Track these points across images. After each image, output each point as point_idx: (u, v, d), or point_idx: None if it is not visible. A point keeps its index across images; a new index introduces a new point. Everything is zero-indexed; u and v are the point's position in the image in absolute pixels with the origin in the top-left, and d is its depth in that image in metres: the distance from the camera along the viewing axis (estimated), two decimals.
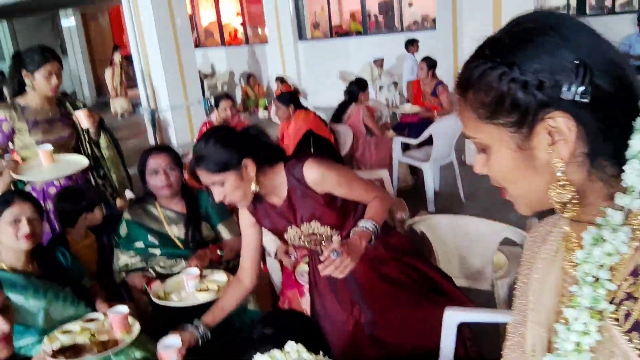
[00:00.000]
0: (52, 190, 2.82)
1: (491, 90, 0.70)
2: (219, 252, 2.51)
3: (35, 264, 2.17)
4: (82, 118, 2.82)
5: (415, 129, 5.19)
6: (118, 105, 11.35)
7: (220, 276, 2.41)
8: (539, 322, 0.81)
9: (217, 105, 4.62)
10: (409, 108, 5.75)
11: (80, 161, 2.78)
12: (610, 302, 0.67)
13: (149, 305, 2.45)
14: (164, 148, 2.66)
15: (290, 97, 4.69)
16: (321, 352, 1.11)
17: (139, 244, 2.56)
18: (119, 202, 3.00)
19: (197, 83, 8.41)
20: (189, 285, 2.31)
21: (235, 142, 1.78)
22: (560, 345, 0.71)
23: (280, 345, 1.11)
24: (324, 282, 2.08)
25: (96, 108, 12.11)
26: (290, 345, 1.11)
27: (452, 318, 1.89)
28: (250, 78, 10.79)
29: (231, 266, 2.58)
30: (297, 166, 1.85)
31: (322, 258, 1.59)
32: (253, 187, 1.80)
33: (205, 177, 1.77)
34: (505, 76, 0.68)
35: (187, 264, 2.41)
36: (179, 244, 2.56)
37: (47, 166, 2.69)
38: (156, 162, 2.51)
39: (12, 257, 2.08)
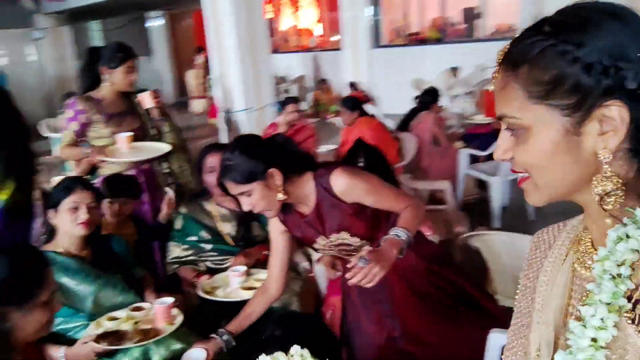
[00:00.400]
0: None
1: (551, 69, 0.67)
2: (265, 253, 2.52)
3: (90, 250, 2.26)
4: (146, 98, 2.95)
5: (484, 141, 4.99)
6: (197, 105, 11.79)
7: (264, 275, 2.42)
8: (546, 322, 0.79)
9: (283, 108, 4.67)
10: (480, 119, 5.56)
11: (162, 147, 2.91)
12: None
13: (196, 298, 2.50)
14: (223, 147, 2.69)
15: (354, 102, 4.66)
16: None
17: (192, 238, 2.62)
18: (169, 194, 2.99)
19: (270, 86, 8.57)
20: (234, 282, 2.34)
21: (261, 151, 1.77)
22: (574, 342, 0.69)
23: (287, 348, 1.08)
24: (355, 293, 2.03)
25: (176, 107, 12.67)
26: (295, 349, 1.08)
27: (498, 340, 1.78)
28: (323, 83, 10.87)
29: None
30: (325, 176, 1.82)
31: (349, 266, 1.54)
32: (280, 196, 1.77)
33: (233, 188, 1.76)
34: (569, 55, 0.65)
35: (233, 262, 2.43)
36: (230, 241, 2.60)
37: (128, 151, 2.83)
38: (214, 160, 2.55)
39: (68, 242, 2.18)
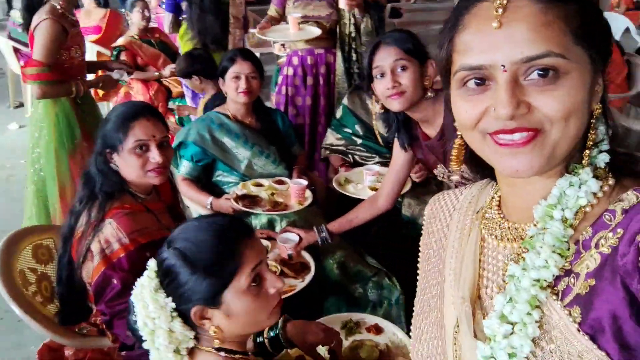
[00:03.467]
0: (295, 60, 3.12)
1: (598, 12, 0.66)
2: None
3: (255, 119, 2.51)
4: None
5: None
6: None
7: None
8: (463, 297, 0.76)
9: None
10: None
11: (313, 32, 2.98)
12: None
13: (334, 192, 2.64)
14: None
15: None
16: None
17: (347, 130, 2.72)
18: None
19: None
20: (366, 180, 2.41)
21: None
22: (514, 285, 0.69)
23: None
24: None
25: None
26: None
27: None
28: None
29: None
30: None
31: None
32: (428, 93, 1.72)
33: (392, 53, 1.71)
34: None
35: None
36: (380, 140, 2.63)
37: (292, 32, 2.97)
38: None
39: (235, 108, 2.45)
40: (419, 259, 0.93)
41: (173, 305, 1.05)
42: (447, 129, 1.66)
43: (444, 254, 0.87)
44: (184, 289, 1.05)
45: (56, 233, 1.81)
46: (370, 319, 1.68)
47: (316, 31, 2.98)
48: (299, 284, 1.83)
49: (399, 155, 1.95)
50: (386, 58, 1.69)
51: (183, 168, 2.43)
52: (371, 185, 2.38)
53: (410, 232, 2.40)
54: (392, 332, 1.62)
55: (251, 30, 3.74)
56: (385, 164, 2.60)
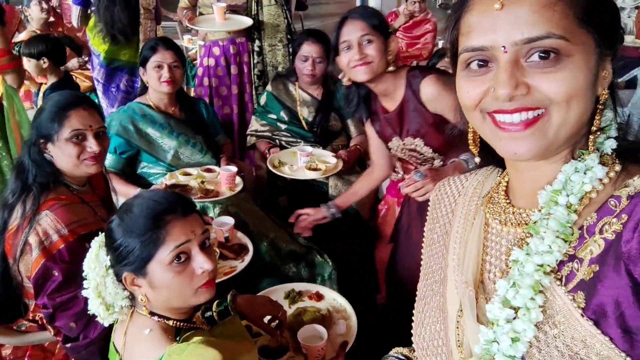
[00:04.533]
0: (216, 50, 3.14)
1: None
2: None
3: (178, 109, 2.51)
4: None
5: (623, 67, 4.41)
6: None
7: (331, 159, 2.55)
8: (466, 281, 0.77)
9: None
10: (630, 40, 4.86)
11: (245, 21, 3.03)
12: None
13: (266, 173, 2.71)
14: (320, 38, 2.68)
15: None
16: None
17: (272, 116, 2.79)
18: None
19: None
20: (301, 161, 2.50)
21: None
22: (518, 270, 0.69)
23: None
24: (415, 204, 2.08)
25: None
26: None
27: None
28: None
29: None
30: (417, 78, 1.81)
31: (407, 176, 1.60)
32: (389, 66, 1.79)
33: (359, 28, 1.76)
34: None
35: (338, 154, 2.57)
36: (304, 125, 2.73)
37: (219, 22, 3.00)
38: (310, 50, 2.61)
39: (157, 98, 2.44)
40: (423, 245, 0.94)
41: (108, 263, 1.16)
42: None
43: (447, 239, 0.87)
44: (118, 250, 1.14)
45: None
46: (311, 288, 1.79)
47: (248, 21, 3.03)
48: (239, 264, 1.88)
49: (371, 131, 2.07)
50: (353, 32, 1.76)
51: (107, 161, 2.37)
52: (307, 165, 2.47)
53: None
54: (332, 298, 1.73)
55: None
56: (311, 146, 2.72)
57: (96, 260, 1.17)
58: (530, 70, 0.63)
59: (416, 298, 0.91)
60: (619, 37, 0.68)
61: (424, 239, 0.94)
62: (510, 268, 0.71)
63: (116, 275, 1.17)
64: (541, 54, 0.62)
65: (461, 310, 0.77)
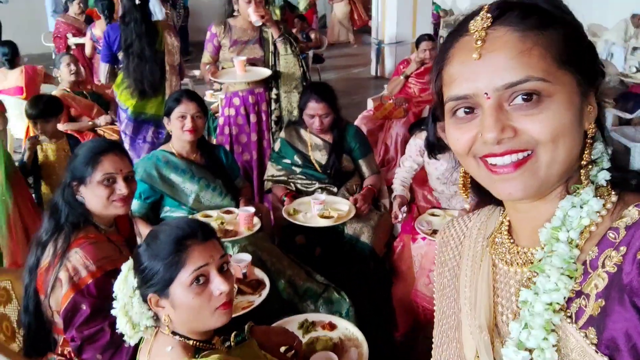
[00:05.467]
0: (236, 101, 3.32)
1: (584, 37, 0.68)
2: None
3: (199, 155, 2.65)
4: (251, 13, 3.08)
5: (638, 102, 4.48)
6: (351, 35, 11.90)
7: (343, 206, 2.63)
8: (480, 325, 0.77)
9: (417, 45, 4.63)
10: None
11: (264, 72, 3.21)
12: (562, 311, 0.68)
13: (283, 219, 2.79)
14: (325, 96, 2.76)
15: None
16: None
17: (286, 161, 2.91)
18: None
19: (428, 20, 8.35)
20: (314, 209, 2.59)
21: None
22: (528, 311, 0.70)
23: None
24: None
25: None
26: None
27: None
28: None
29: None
30: None
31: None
32: None
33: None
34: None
35: (353, 199, 2.66)
36: (318, 167, 2.84)
37: (240, 74, 3.18)
38: (316, 107, 2.74)
39: (180, 146, 2.59)
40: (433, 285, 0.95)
41: (135, 284, 1.27)
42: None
43: (457, 283, 0.87)
44: (144, 273, 1.25)
45: (10, 274, 1.86)
46: (324, 318, 1.84)
47: (267, 72, 3.21)
48: (257, 299, 1.95)
49: None
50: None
51: (132, 206, 2.50)
52: (320, 213, 2.55)
53: (353, 250, 2.60)
54: (344, 327, 1.79)
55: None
56: (325, 189, 2.82)
57: (125, 282, 1.28)
58: (514, 113, 0.65)
59: (432, 345, 0.91)
60: (598, 72, 0.70)
61: (434, 285, 0.94)
62: (520, 309, 0.71)
63: (142, 296, 1.27)
64: (523, 97, 0.65)
65: (478, 357, 0.77)
